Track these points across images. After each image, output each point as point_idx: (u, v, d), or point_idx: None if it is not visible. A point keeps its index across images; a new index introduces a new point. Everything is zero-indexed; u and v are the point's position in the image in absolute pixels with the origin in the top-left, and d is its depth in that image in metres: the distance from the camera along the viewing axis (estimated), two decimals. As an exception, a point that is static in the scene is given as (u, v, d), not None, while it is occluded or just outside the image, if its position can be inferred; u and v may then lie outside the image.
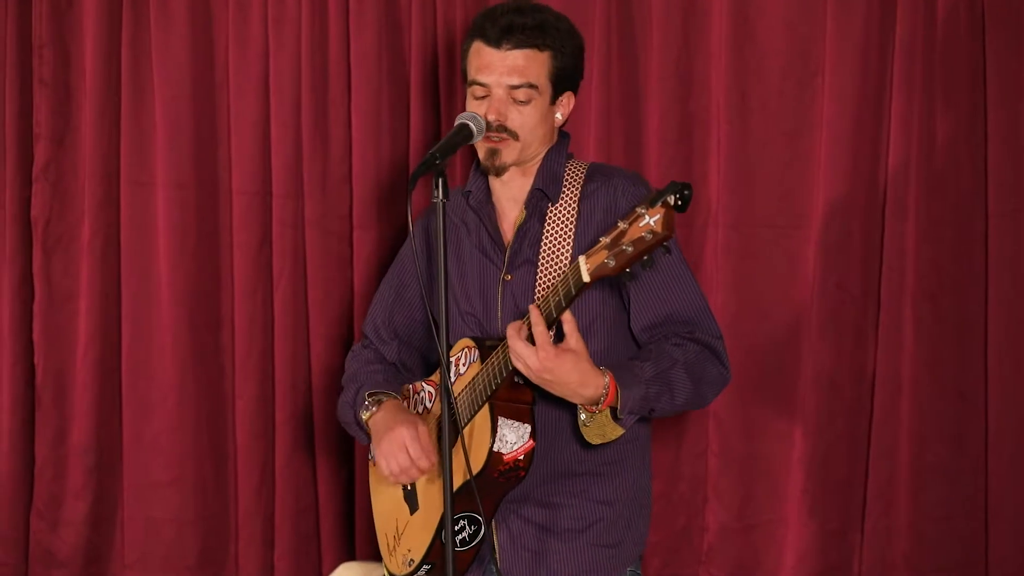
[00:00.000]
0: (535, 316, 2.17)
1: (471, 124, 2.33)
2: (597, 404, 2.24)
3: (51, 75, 3.37)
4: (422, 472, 2.41)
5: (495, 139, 2.41)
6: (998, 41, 3.00)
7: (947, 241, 3.03)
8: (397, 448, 2.40)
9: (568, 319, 2.18)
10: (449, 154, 2.26)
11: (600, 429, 2.29)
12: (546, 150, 2.49)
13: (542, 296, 2.37)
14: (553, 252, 2.42)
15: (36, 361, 3.41)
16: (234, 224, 3.34)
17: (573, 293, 2.14)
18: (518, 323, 2.21)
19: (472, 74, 2.43)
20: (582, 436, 2.35)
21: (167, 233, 3.33)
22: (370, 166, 3.24)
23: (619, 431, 2.30)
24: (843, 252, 3.05)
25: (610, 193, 2.43)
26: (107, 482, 3.42)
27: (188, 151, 3.32)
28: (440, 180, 2.19)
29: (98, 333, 3.38)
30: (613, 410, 2.26)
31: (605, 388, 2.22)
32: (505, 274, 2.47)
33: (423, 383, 2.58)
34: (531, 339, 2.20)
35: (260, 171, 3.32)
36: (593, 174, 2.48)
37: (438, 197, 2.19)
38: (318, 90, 3.25)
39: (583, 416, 2.28)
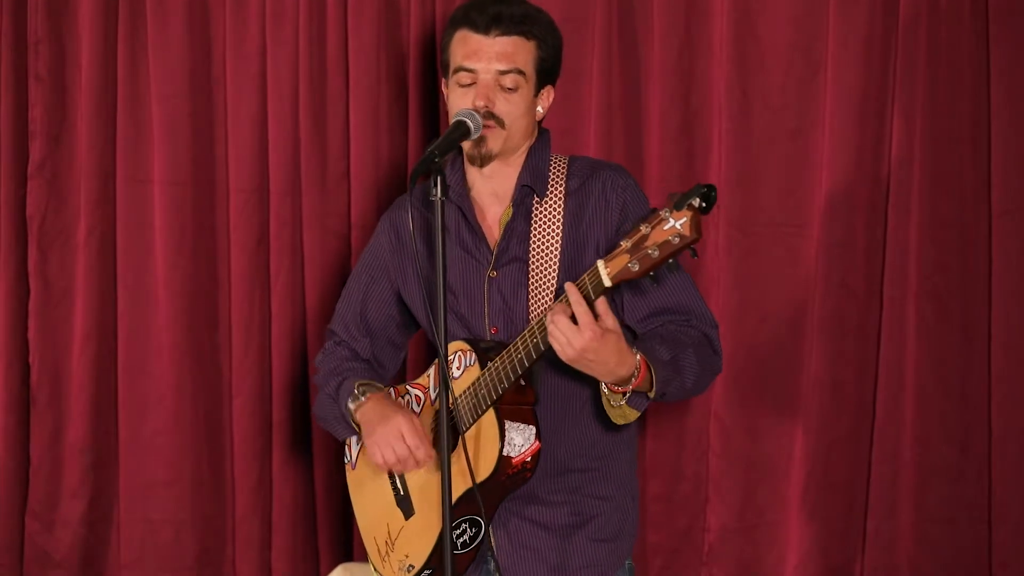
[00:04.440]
0: (575, 296, 2.14)
1: (468, 121, 2.33)
2: (626, 384, 2.22)
3: (47, 71, 3.35)
4: (419, 464, 2.39)
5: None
6: (1002, 37, 2.99)
7: (950, 240, 3.02)
8: (393, 437, 2.38)
9: (601, 300, 2.15)
10: (448, 151, 2.26)
11: (622, 410, 2.29)
12: (528, 144, 2.48)
13: (535, 293, 2.38)
14: (543, 249, 2.41)
15: (31, 360, 3.39)
16: (231, 222, 3.32)
17: (593, 298, 2.13)
18: (562, 305, 2.17)
19: (458, 61, 2.42)
20: (580, 427, 2.38)
21: (164, 231, 3.31)
22: (368, 163, 3.23)
23: (635, 413, 2.29)
24: (846, 250, 3.04)
25: (598, 187, 2.43)
26: (103, 482, 3.40)
27: (185, 148, 3.30)
28: (439, 178, 2.19)
29: (94, 332, 3.36)
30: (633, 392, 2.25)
31: (636, 368, 2.21)
32: (490, 271, 2.46)
33: (407, 386, 2.56)
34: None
35: (258, 168, 3.30)
36: (576, 168, 2.48)
37: (437, 195, 2.19)
38: (316, 86, 3.24)
39: (611, 397, 2.26)
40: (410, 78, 3.22)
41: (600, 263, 2.10)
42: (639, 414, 2.30)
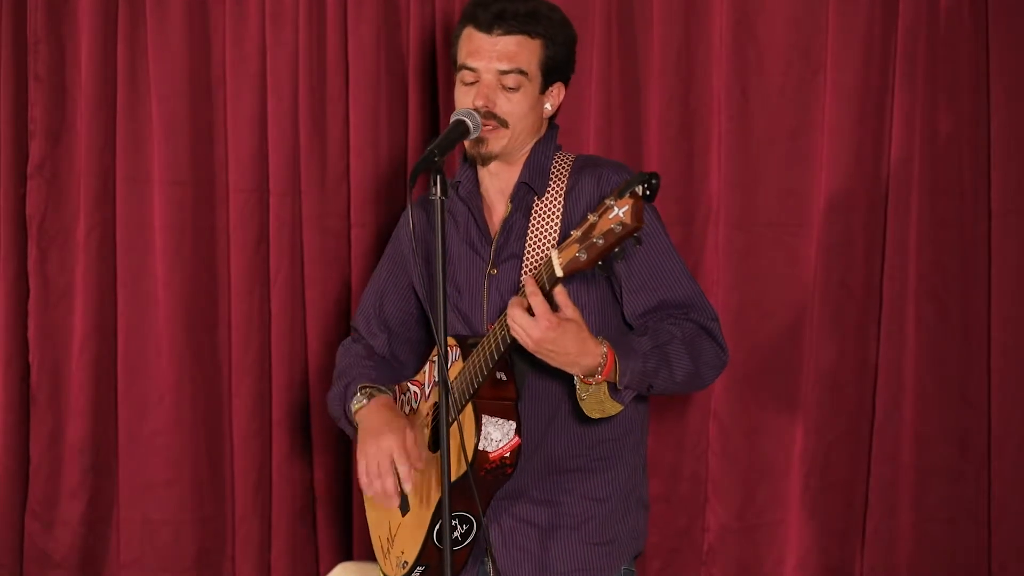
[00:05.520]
0: (531, 287, 2.14)
1: (467, 120, 2.33)
2: (594, 375, 2.21)
3: (46, 71, 3.35)
4: (396, 484, 2.37)
5: (483, 126, 2.38)
6: (1001, 36, 2.99)
7: (950, 240, 3.02)
8: (383, 456, 2.35)
9: (560, 291, 2.15)
10: (447, 151, 2.26)
11: (598, 404, 2.27)
12: (534, 141, 2.47)
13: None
14: (539, 247, 2.40)
15: (31, 359, 3.39)
16: (231, 222, 3.32)
17: (547, 288, 2.13)
18: (519, 297, 2.18)
19: (462, 59, 2.42)
20: (577, 426, 2.36)
21: (163, 231, 3.31)
22: (368, 163, 3.23)
23: (618, 407, 2.28)
24: (845, 251, 3.04)
25: (593, 184, 2.41)
26: (103, 482, 3.40)
27: (185, 148, 3.30)
28: (438, 177, 2.18)
29: (94, 331, 3.36)
30: (611, 385, 2.24)
31: (603, 358, 2.19)
32: (491, 268, 2.46)
33: (408, 383, 2.56)
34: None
35: (257, 168, 3.30)
36: (579, 166, 2.46)
37: (436, 195, 2.18)
38: (316, 86, 3.24)
39: (579, 388, 2.26)
40: (410, 78, 3.22)
41: (554, 253, 2.10)
42: (621, 408, 2.28)
